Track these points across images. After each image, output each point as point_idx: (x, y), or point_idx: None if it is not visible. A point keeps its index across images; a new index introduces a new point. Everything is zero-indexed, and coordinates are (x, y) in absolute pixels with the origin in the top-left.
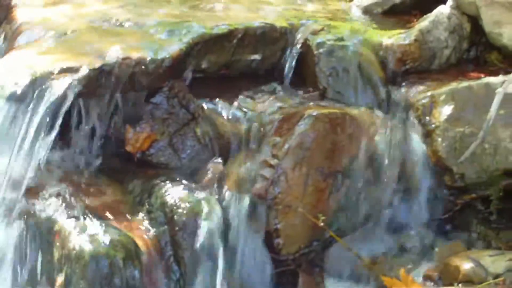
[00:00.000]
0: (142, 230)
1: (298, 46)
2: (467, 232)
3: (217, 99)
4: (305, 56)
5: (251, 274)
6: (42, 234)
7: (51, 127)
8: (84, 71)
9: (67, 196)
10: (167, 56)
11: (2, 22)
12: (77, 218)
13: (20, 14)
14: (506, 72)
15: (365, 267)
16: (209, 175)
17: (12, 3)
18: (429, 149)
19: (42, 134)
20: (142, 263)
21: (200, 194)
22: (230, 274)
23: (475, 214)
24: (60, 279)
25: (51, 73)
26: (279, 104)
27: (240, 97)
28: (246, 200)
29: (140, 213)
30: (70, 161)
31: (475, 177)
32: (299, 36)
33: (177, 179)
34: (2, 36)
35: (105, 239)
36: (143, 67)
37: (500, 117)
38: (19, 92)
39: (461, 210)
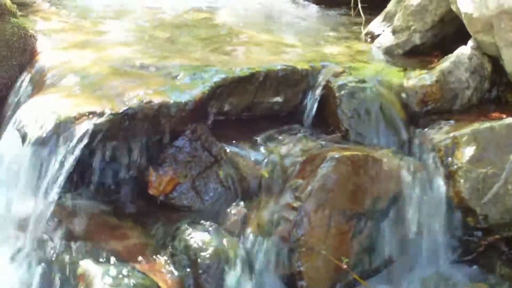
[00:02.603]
0: (166, 273)
1: (320, 88)
2: (491, 274)
3: (240, 142)
4: (327, 98)
5: None
6: (66, 277)
7: (75, 170)
8: (107, 115)
9: (91, 238)
10: (190, 99)
11: (27, 66)
12: (101, 261)
13: (44, 58)
14: None
15: None
16: (232, 217)
17: (36, 47)
18: (452, 190)
19: (66, 177)
20: None
21: (224, 237)
22: None
23: (499, 255)
24: None
25: (75, 117)
26: (301, 146)
27: (262, 139)
28: (269, 243)
29: (163, 256)
30: (93, 204)
31: (499, 218)
32: (321, 78)
33: (201, 222)
34: (27, 80)
35: (129, 282)
36: (166, 110)
37: None
38: (43, 136)
39: (485, 251)
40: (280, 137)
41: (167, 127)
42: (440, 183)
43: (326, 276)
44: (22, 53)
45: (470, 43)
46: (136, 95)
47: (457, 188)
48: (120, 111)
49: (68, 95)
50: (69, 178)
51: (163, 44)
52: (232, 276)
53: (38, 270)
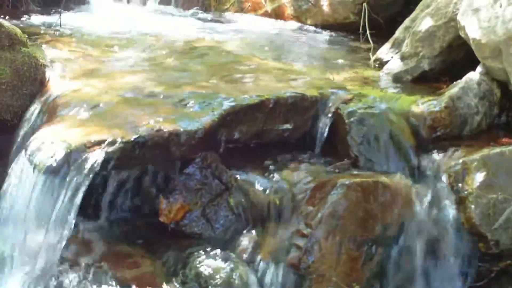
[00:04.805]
0: None
1: (329, 115)
2: None
3: (250, 169)
4: (336, 125)
5: None
6: None
7: (86, 198)
8: (118, 143)
9: (102, 267)
10: (199, 127)
11: (37, 95)
12: None
13: (54, 88)
14: None
15: None
16: (243, 245)
17: (46, 77)
18: (463, 216)
19: (77, 205)
20: None
21: (235, 265)
22: None
23: (511, 281)
24: None
25: (85, 146)
26: (311, 173)
27: (272, 166)
28: (280, 270)
29: (174, 284)
30: (104, 232)
31: (510, 243)
32: (330, 105)
33: (211, 249)
34: (38, 109)
35: None
36: (176, 138)
37: None
38: (54, 165)
39: (497, 277)
40: (290, 164)
41: (178, 155)
42: (451, 209)
43: None
44: (33, 82)
45: (479, 68)
46: (146, 123)
47: (467, 214)
48: (131, 139)
49: (78, 123)
50: (80, 206)
51: (172, 72)
52: None
53: None
